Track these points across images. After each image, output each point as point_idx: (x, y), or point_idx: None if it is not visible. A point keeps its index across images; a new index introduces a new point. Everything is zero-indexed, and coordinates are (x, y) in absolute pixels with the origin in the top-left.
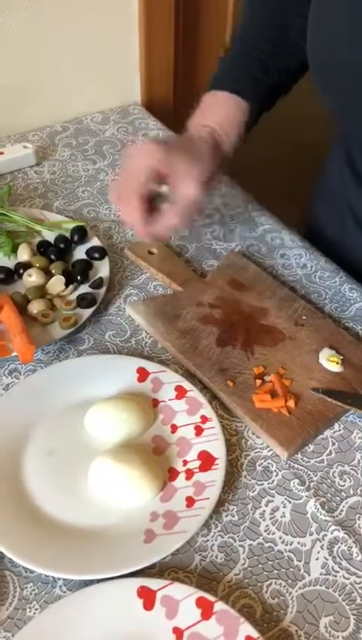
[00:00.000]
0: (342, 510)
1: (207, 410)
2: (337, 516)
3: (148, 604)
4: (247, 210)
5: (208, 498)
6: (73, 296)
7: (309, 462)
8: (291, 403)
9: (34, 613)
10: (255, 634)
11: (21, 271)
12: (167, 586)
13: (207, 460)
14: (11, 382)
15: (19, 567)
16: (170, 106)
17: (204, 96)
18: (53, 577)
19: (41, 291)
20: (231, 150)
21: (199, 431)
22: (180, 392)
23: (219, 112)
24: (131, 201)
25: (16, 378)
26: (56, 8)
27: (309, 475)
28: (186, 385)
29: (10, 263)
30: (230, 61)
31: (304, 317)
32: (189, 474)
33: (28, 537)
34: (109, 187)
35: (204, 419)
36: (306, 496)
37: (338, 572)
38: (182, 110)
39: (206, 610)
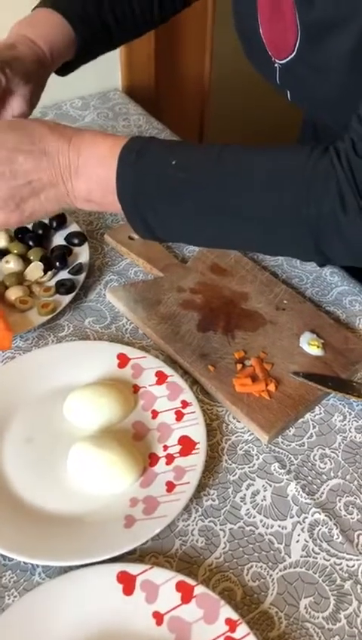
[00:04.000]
0: (322, 493)
1: (188, 394)
2: (318, 499)
3: (128, 589)
4: None
5: (188, 482)
6: (52, 283)
7: (290, 445)
8: (272, 387)
9: (12, 601)
10: (235, 616)
11: None
12: (146, 570)
13: (187, 445)
14: None
15: None
16: (152, 91)
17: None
18: (32, 565)
19: (19, 278)
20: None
21: (180, 416)
22: (161, 378)
23: (45, 29)
24: None
25: None
26: None
27: (290, 458)
28: (167, 370)
29: None
30: None
31: (285, 301)
32: (170, 459)
33: (6, 525)
34: None
35: (185, 404)
36: (287, 479)
37: (318, 554)
38: (164, 96)
39: (186, 593)
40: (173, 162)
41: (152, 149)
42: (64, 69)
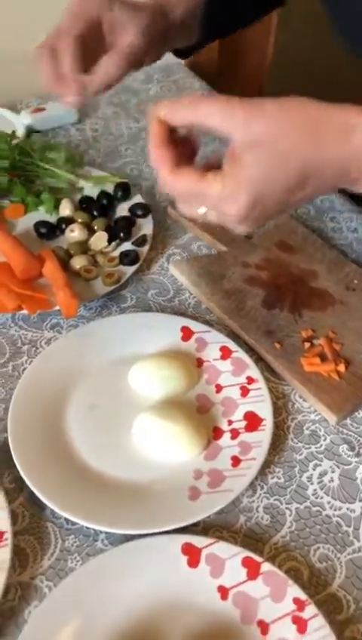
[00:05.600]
0: None
1: (254, 371)
2: None
3: (193, 562)
4: None
5: (255, 459)
6: (116, 253)
7: (359, 427)
8: (341, 367)
9: (75, 565)
10: (303, 596)
11: (63, 226)
12: (212, 544)
13: (253, 421)
14: (53, 336)
15: (60, 519)
16: (214, 65)
17: None
18: (94, 530)
19: (83, 247)
20: (180, 24)
21: (245, 391)
22: (225, 353)
23: None
24: (62, 44)
25: (58, 333)
26: None
27: (359, 440)
28: (232, 346)
29: (52, 218)
30: None
31: (355, 281)
32: (235, 434)
33: (70, 490)
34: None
35: (250, 380)
36: (356, 462)
37: None
38: (227, 70)
39: (252, 570)
40: None
41: None
42: (185, 52)
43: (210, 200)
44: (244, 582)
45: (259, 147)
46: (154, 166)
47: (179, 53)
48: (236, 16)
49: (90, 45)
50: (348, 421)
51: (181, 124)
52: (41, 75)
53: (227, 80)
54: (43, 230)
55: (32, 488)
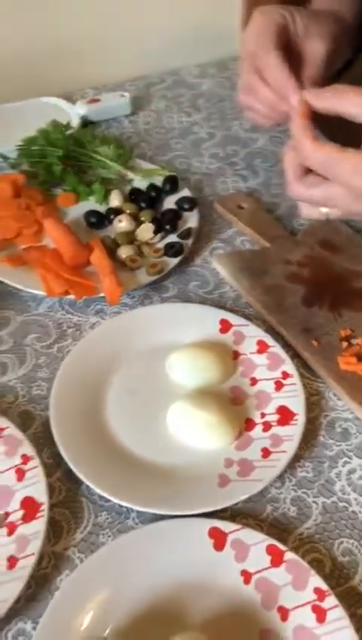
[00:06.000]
0: None
1: (289, 366)
2: None
3: (219, 545)
4: None
5: (285, 451)
6: (161, 245)
7: None
8: None
9: (106, 540)
10: (324, 587)
11: (112, 216)
12: (238, 530)
13: (285, 415)
14: (97, 321)
15: (95, 496)
16: None
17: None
18: (126, 508)
19: (130, 237)
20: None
21: (279, 386)
22: (262, 347)
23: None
24: (265, 59)
25: (102, 318)
26: None
27: None
28: (269, 340)
29: (101, 208)
30: None
31: None
32: (266, 426)
33: (106, 468)
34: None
35: (285, 375)
36: None
37: None
38: None
39: (276, 557)
40: None
41: None
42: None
43: (344, 171)
44: (267, 568)
45: None
46: (297, 134)
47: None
48: None
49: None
50: None
51: (323, 108)
52: (257, 111)
53: None
54: (92, 219)
55: (70, 464)
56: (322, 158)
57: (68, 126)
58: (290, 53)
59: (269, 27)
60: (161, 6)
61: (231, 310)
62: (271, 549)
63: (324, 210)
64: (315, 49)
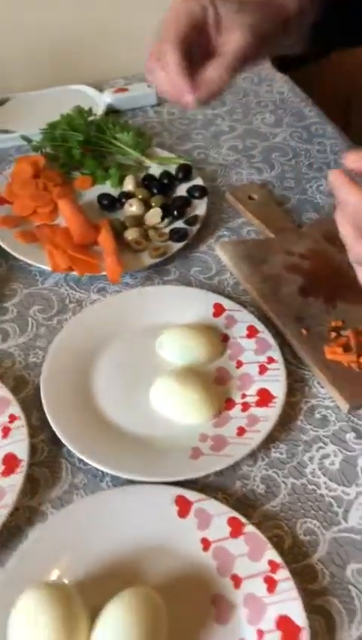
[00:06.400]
0: None
1: (275, 352)
2: None
3: (183, 512)
4: None
5: (259, 431)
6: (167, 229)
7: None
8: None
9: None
10: (278, 559)
11: (124, 200)
12: (203, 500)
13: (264, 397)
14: (98, 299)
15: (74, 458)
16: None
17: None
18: (102, 472)
19: (138, 220)
20: (296, 21)
21: (263, 370)
22: (251, 332)
23: None
24: (167, 50)
25: (103, 296)
26: None
27: None
28: (259, 326)
29: (115, 192)
30: None
31: None
32: (245, 407)
33: (87, 434)
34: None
35: (270, 360)
36: (360, 449)
37: None
38: (316, 69)
39: (236, 529)
40: None
41: None
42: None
43: None
44: (226, 538)
45: None
46: (340, 192)
47: (283, 66)
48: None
49: (197, 47)
50: (361, 412)
51: None
52: (156, 82)
53: (316, 78)
54: (105, 202)
55: (54, 428)
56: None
57: (90, 112)
58: (205, 44)
59: (184, 18)
60: None
61: (227, 296)
62: (232, 521)
63: None
64: (232, 41)
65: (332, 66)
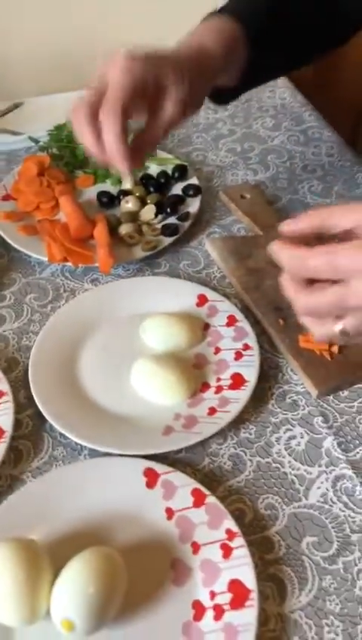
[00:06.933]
0: (357, 453)
1: (251, 340)
2: (351, 457)
3: (151, 483)
4: (353, 170)
5: (229, 412)
6: (160, 225)
7: (339, 405)
8: (335, 349)
9: None
10: (235, 528)
11: (122, 198)
12: (170, 472)
13: (237, 381)
14: (90, 288)
15: (55, 433)
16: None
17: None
18: (80, 446)
19: (133, 216)
20: (222, 73)
21: (238, 356)
22: (231, 321)
23: (210, 33)
24: (110, 122)
25: (95, 286)
26: None
27: (335, 415)
28: (238, 316)
29: (115, 190)
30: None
31: None
32: (219, 389)
33: (69, 411)
34: (74, 106)
35: (246, 346)
36: (326, 432)
37: (335, 504)
38: (322, 76)
39: (198, 499)
40: None
41: None
42: (228, 94)
43: (348, 257)
44: (188, 508)
45: None
46: (280, 256)
47: (218, 99)
48: (284, 59)
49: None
50: (331, 397)
51: (309, 227)
52: (82, 139)
53: (324, 86)
54: (104, 199)
55: (38, 404)
56: (318, 263)
57: None
58: (146, 100)
59: (125, 91)
60: (195, 12)
61: (213, 288)
62: (195, 492)
63: (338, 327)
64: (167, 109)
65: (345, 79)
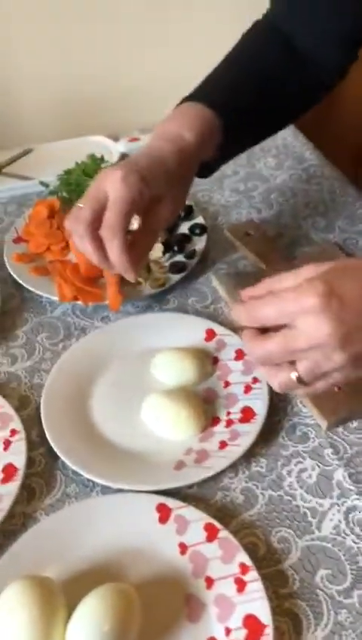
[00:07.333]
0: None
1: (260, 373)
2: None
3: (163, 519)
4: (355, 206)
5: (239, 445)
6: (168, 263)
7: (349, 436)
8: None
9: None
10: (249, 562)
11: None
12: (182, 507)
13: (247, 414)
14: (100, 326)
15: (68, 470)
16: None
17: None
18: (93, 482)
19: None
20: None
21: (248, 389)
22: (239, 355)
23: (186, 119)
24: (114, 239)
25: (106, 324)
26: None
27: (345, 447)
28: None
29: None
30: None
31: None
32: (229, 423)
33: (81, 448)
34: (73, 217)
35: (255, 380)
36: (336, 464)
37: (348, 535)
38: (322, 116)
39: (211, 534)
40: None
41: None
42: (207, 169)
43: (290, 301)
44: (201, 542)
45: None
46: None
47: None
48: (262, 129)
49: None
50: (341, 429)
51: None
52: (83, 249)
53: (324, 127)
54: None
55: (50, 442)
56: (268, 312)
57: (102, 159)
58: (141, 208)
59: (126, 205)
60: (204, 61)
61: (220, 323)
62: (207, 527)
63: (293, 375)
64: (161, 214)
65: (344, 115)
